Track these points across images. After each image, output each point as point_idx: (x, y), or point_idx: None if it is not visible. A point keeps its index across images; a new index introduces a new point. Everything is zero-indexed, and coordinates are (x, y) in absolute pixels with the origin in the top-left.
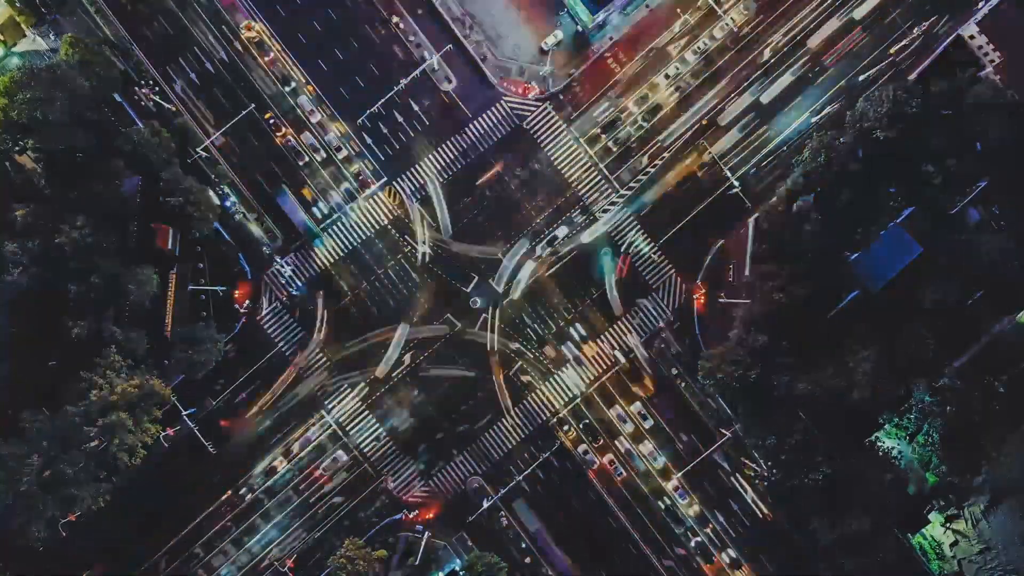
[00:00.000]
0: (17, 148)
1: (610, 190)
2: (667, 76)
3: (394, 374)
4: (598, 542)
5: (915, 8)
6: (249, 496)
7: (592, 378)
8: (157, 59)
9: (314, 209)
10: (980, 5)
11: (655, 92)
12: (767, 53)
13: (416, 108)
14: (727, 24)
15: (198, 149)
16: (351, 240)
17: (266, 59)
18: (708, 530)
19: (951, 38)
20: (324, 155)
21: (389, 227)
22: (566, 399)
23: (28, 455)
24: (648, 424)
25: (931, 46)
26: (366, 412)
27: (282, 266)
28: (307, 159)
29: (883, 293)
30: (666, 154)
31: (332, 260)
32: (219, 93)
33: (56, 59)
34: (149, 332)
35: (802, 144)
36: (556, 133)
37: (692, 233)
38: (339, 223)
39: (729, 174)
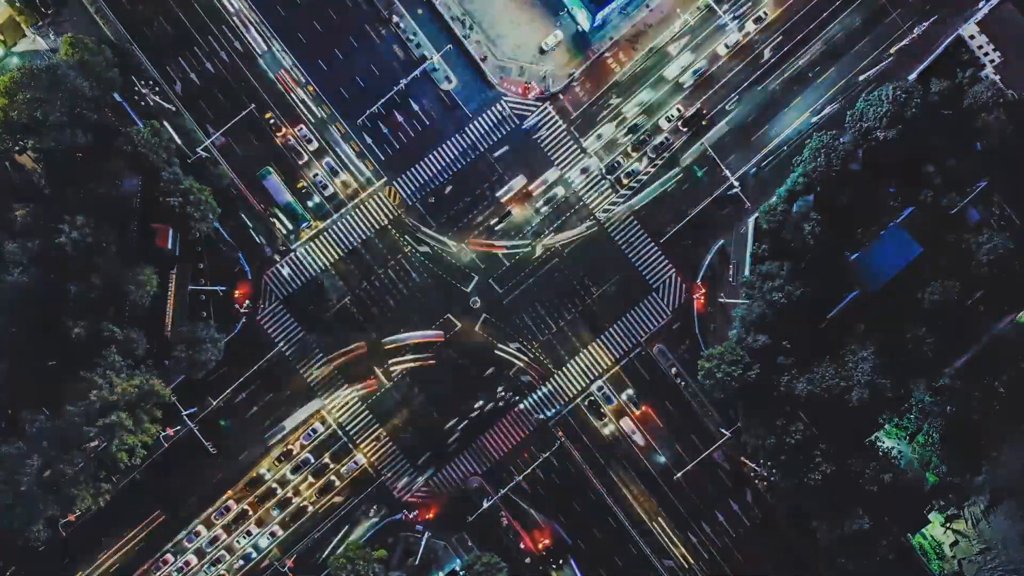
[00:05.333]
0: (17, 148)
1: (610, 190)
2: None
3: (394, 374)
4: (598, 542)
5: (915, 8)
6: (250, 496)
7: (592, 377)
8: (157, 59)
9: (309, 203)
10: (980, 5)
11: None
12: (767, 53)
13: (416, 108)
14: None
15: (198, 149)
16: (351, 240)
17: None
18: (708, 530)
19: (951, 38)
20: (322, 152)
21: (389, 227)
22: (566, 398)
23: (28, 455)
24: (648, 424)
25: (931, 46)
26: (366, 412)
27: (282, 266)
28: (307, 159)
29: (883, 293)
30: (666, 154)
31: (332, 260)
32: (219, 93)
33: (56, 59)
34: (149, 332)
35: (802, 144)
36: (556, 133)
37: (692, 233)
38: (340, 223)
39: (729, 174)
